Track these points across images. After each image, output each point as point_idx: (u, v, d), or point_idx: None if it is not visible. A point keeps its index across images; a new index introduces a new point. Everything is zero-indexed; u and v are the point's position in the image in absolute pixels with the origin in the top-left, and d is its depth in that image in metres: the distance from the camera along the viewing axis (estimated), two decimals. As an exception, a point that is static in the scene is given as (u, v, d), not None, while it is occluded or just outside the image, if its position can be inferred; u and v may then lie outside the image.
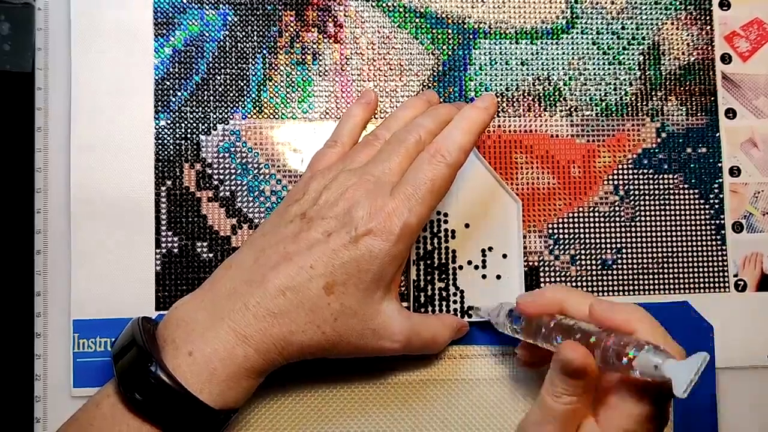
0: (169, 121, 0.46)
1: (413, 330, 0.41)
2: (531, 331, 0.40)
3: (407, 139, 0.41)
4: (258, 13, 0.47)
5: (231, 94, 0.46)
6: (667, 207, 0.48)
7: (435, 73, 0.48)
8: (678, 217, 0.48)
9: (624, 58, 0.49)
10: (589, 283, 0.47)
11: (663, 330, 0.36)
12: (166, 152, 0.46)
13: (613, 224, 0.47)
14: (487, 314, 0.44)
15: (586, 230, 0.47)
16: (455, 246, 0.45)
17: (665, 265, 0.47)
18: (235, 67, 0.47)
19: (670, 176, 0.48)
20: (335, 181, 0.40)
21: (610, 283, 0.47)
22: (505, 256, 0.46)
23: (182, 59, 0.46)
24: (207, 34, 0.47)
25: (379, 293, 0.39)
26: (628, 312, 0.37)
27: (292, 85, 0.47)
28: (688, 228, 0.48)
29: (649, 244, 0.47)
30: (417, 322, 0.41)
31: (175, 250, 0.45)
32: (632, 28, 0.49)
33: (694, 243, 0.48)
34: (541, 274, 0.47)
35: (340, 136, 0.44)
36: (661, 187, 0.48)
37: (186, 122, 0.46)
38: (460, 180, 0.43)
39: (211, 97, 0.46)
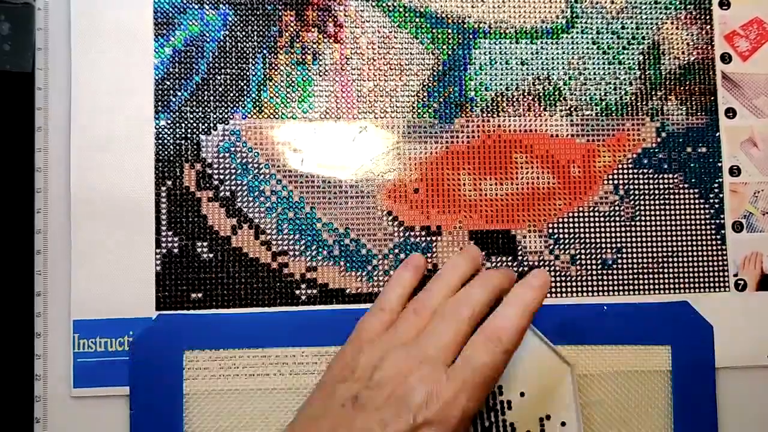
0: (169, 121, 0.46)
1: None
2: None
3: (460, 314, 0.39)
4: (258, 13, 0.47)
5: (231, 94, 0.46)
6: (667, 206, 0.48)
7: (435, 73, 0.48)
8: (678, 217, 0.48)
9: (624, 58, 0.49)
10: (589, 283, 0.47)
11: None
12: (166, 152, 0.46)
13: (613, 224, 0.47)
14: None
15: (586, 230, 0.47)
16: (513, 418, 0.43)
17: (665, 265, 0.47)
18: (235, 67, 0.47)
19: (670, 176, 0.48)
20: (387, 359, 0.38)
21: (610, 282, 0.47)
22: (563, 423, 0.44)
23: (182, 59, 0.46)
24: (207, 34, 0.47)
25: None
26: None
27: (292, 85, 0.47)
28: (688, 227, 0.48)
29: (649, 244, 0.47)
30: None
31: (175, 250, 0.45)
32: (632, 28, 0.49)
33: (694, 243, 0.48)
34: (541, 273, 0.47)
35: (388, 302, 0.42)
36: (661, 186, 0.48)
37: (186, 122, 0.46)
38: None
39: (211, 97, 0.46)
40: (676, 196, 0.48)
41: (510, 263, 0.47)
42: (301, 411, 0.40)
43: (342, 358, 0.40)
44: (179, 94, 0.46)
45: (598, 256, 0.47)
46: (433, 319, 0.40)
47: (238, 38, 0.47)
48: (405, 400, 0.36)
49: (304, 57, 0.47)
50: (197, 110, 0.46)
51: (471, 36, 0.48)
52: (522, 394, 0.44)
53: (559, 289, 0.47)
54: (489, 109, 0.47)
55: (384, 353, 0.38)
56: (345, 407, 0.37)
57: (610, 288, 0.47)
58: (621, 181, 0.48)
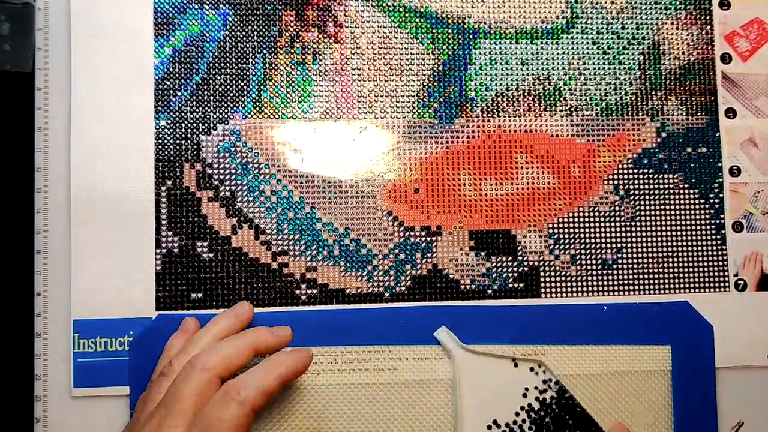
0: (169, 121, 0.46)
1: None
2: None
3: (197, 366, 0.38)
4: (258, 13, 0.47)
5: (231, 94, 0.46)
6: (667, 207, 0.48)
7: (435, 73, 0.48)
8: (678, 217, 0.48)
9: (624, 58, 0.49)
10: (589, 283, 0.47)
11: None
12: (166, 152, 0.46)
13: (613, 224, 0.47)
14: None
15: (587, 230, 0.47)
16: None
17: (665, 265, 0.47)
18: (235, 67, 0.47)
19: (670, 176, 0.48)
20: (137, 422, 0.39)
21: (611, 282, 0.47)
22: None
23: (182, 59, 0.46)
24: (207, 34, 0.47)
25: None
26: None
27: (292, 85, 0.47)
28: (688, 228, 0.48)
29: (649, 244, 0.47)
30: None
31: (175, 250, 0.45)
32: (632, 28, 0.49)
33: (694, 243, 0.48)
34: (541, 274, 0.47)
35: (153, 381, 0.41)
36: (661, 186, 0.48)
37: (186, 122, 0.46)
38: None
39: (211, 97, 0.46)
40: (677, 196, 0.48)
41: (510, 263, 0.47)
42: None
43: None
44: (179, 94, 0.46)
45: (598, 256, 0.47)
46: (175, 379, 0.39)
47: (238, 38, 0.47)
48: None
49: (304, 57, 0.47)
50: (197, 110, 0.46)
51: (471, 36, 0.48)
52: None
53: (559, 289, 0.47)
54: (489, 109, 0.47)
55: (137, 423, 0.39)
56: None
57: (610, 288, 0.47)
58: (621, 181, 0.48)
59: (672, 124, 0.48)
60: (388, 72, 0.47)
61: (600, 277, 0.47)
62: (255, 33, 0.47)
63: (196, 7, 0.47)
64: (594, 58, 0.48)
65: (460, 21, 0.48)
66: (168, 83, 0.46)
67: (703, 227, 0.48)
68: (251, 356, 0.40)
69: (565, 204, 0.47)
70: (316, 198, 0.46)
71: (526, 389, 0.45)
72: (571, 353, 0.46)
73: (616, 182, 0.48)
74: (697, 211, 0.48)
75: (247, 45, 0.47)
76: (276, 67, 0.47)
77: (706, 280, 0.48)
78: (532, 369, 0.46)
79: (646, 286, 0.47)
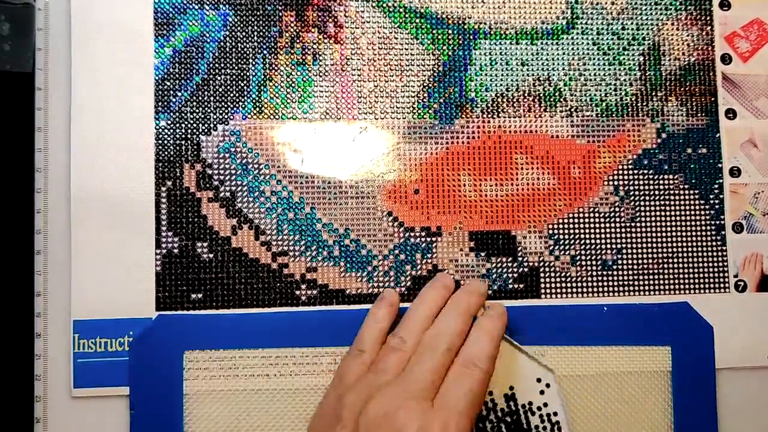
0: (169, 122, 0.46)
1: None
2: None
3: (438, 347, 0.40)
4: (258, 13, 0.47)
5: (231, 95, 0.46)
6: (668, 207, 0.48)
7: (435, 74, 0.48)
8: (678, 218, 0.48)
9: (624, 59, 0.49)
10: (589, 284, 0.47)
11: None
12: (166, 152, 0.46)
13: (613, 225, 0.47)
14: None
15: (587, 231, 0.47)
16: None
17: (665, 266, 0.47)
18: (236, 68, 0.47)
19: (671, 177, 0.48)
20: (372, 401, 0.38)
21: (611, 283, 0.47)
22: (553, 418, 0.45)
23: (182, 59, 0.46)
24: (207, 35, 0.47)
25: None
26: None
27: (293, 85, 0.47)
28: (689, 228, 0.48)
29: (650, 245, 0.47)
30: None
31: (175, 251, 0.45)
32: (632, 29, 0.49)
33: (694, 243, 0.48)
34: (541, 274, 0.47)
35: (366, 343, 0.42)
36: (662, 187, 0.48)
37: (186, 122, 0.46)
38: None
39: (212, 98, 0.46)
40: (677, 197, 0.48)
41: (510, 264, 0.47)
42: None
43: (326, 405, 0.41)
44: (179, 94, 0.46)
45: (599, 257, 0.47)
46: (413, 358, 0.40)
47: (239, 39, 0.47)
48: None
49: (304, 57, 0.47)
50: (197, 111, 0.46)
51: (471, 37, 0.48)
52: (511, 391, 0.45)
53: (559, 290, 0.47)
54: (489, 110, 0.47)
55: (368, 395, 0.39)
56: None
57: (610, 289, 0.47)
58: (621, 182, 0.48)
59: (672, 124, 0.48)
60: (388, 72, 0.47)
61: (600, 278, 0.47)
62: (255, 33, 0.47)
63: (196, 7, 0.47)
64: (594, 59, 0.48)
65: (460, 21, 0.48)
66: (168, 83, 0.46)
67: (703, 228, 0.48)
68: (470, 325, 0.43)
69: (565, 205, 0.47)
70: (316, 198, 0.46)
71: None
72: (571, 354, 0.46)
73: (616, 183, 0.48)
74: (698, 212, 0.48)
75: (247, 45, 0.47)
76: (276, 68, 0.47)
77: (706, 281, 0.48)
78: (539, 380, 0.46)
79: (646, 287, 0.47)
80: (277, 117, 0.47)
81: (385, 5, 0.48)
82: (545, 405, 0.45)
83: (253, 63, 0.47)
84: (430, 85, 0.48)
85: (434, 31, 0.48)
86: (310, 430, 0.41)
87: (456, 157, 0.47)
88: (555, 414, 0.45)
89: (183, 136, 0.46)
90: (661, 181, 0.48)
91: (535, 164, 0.47)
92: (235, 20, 0.47)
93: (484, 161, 0.47)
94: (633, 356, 0.46)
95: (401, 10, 0.48)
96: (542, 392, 0.45)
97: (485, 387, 0.40)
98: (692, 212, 0.48)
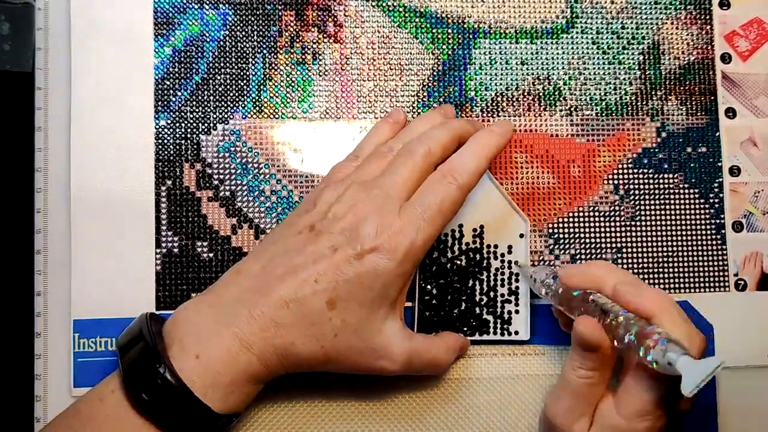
0: (169, 121, 0.46)
1: (414, 351, 0.40)
2: (562, 299, 0.41)
3: (417, 150, 0.40)
4: (258, 13, 0.47)
5: (231, 94, 0.46)
6: (667, 206, 0.48)
7: (435, 73, 0.48)
8: (678, 217, 0.48)
9: (624, 58, 0.49)
10: (589, 283, 0.47)
11: (687, 322, 0.37)
12: (166, 152, 0.46)
13: (613, 224, 0.47)
14: (529, 273, 0.44)
15: (587, 230, 0.47)
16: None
17: (665, 265, 0.47)
18: (235, 67, 0.47)
19: (670, 176, 0.48)
20: (345, 194, 0.40)
21: (610, 282, 0.47)
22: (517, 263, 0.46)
23: (182, 59, 0.46)
24: (207, 34, 0.47)
25: (382, 312, 0.39)
26: (653, 299, 0.37)
27: (292, 84, 0.47)
28: (688, 227, 0.48)
29: (649, 244, 0.47)
30: (419, 343, 0.41)
31: (175, 250, 0.45)
32: (632, 28, 0.49)
33: (694, 242, 0.48)
34: (541, 273, 0.47)
35: (362, 150, 0.44)
36: (661, 186, 0.48)
37: (186, 122, 0.46)
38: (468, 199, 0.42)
39: (211, 97, 0.46)
40: (676, 196, 0.48)
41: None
42: (265, 236, 0.43)
43: (308, 196, 0.43)
44: (179, 94, 0.46)
45: (599, 256, 0.47)
46: (392, 159, 0.41)
47: (238, 38, 0.47)
48: (356, 229, 0.38)
49: (304, 57, 0.47)
50: (197, 110, 0.46)
51: (471, 36, 0.48)
52: (480, 228, 0.45)
53: (559, 289, 0.47)
54: (489, 109, 0.48)
55: (344, 190, 0.40)
56: (302, 233, 0.40)
57: (610, 288, 0.47)
58: (621, 181, 0.48)
59: (672, 123, 0.48)
60: (388, 72, 0.47)
61: (600, 277, 0.47)
62: (255, 33, 0.47)
63: (196, 7, 0.47)
64: (594, 58, 0.48)
65: (459, 21, 0.48)
66: (168, 83, 0.46)
67: (703, 227, 0.48)
68: (456, 145, 0.42)
69: (565, 204, 0.47)
70: (316, 198, 0.46)
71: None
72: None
73: (616, 182, 0.48)
74: (697, 211, 0.48)
75: (247, 45, 0.47)
76: (276, 67, 0.47)
77: (706, 279, 0.48)
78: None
79: (646, 286, 0.47)
80: (276, 116, 0.47)
81: (384, 4, 0.48)
82: (509, 252, 0.45)
83: (253, 62, 0.47)
84: (430, 84, 0.48)
85: (434, 31, 0.48)
86: (285, 218, 0.43)
87: (456, 157, 0.47)
88: (516, 263, 0.45)
89: (183, 135, 0.46)
90: (661, 180, 0.48)
91: (535, 163, 0.47)
92: (235, 20, 0.47)
93: (483, 160, 0.47)
94: (633, 355, 0.46)
95: (401, 9, 0.48)
96: (511, 243, 0.45)
97: (459, 201, 0.40)
98: (692, 211, 0.48)
